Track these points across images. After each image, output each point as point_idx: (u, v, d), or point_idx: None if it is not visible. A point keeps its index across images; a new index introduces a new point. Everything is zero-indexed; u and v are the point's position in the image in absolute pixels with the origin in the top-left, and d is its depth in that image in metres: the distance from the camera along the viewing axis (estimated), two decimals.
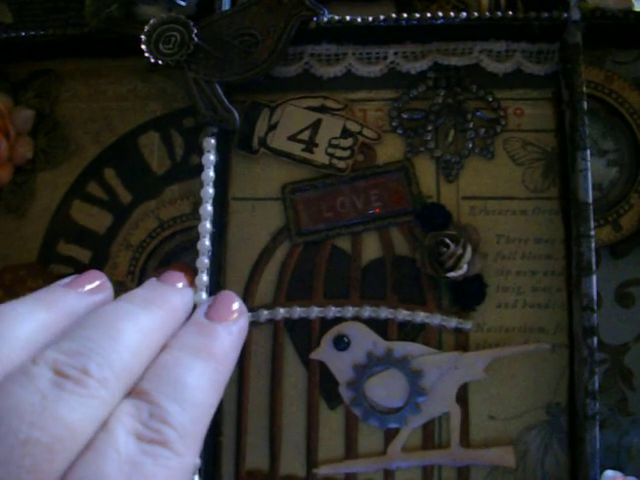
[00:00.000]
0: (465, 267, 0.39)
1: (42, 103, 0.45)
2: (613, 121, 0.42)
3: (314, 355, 0.40)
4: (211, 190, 0.40)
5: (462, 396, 0.40)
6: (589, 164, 0.39)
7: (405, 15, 0.40)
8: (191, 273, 0.38)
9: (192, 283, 0.37)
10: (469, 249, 0.39)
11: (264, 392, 0.40)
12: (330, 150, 0.42)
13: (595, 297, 0.38)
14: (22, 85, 0.45)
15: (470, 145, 0.41)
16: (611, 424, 0.40)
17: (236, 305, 0.35)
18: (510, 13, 0.40)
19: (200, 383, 0.29)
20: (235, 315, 0.34)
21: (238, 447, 0.40)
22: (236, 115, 0.40)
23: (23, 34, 0.43)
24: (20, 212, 0.44)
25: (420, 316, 0.40)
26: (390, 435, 0.40)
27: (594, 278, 0.38)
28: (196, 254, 0.39)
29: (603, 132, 0.42)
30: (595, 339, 0.37)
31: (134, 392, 0.27)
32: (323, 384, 0.40)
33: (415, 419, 0.39)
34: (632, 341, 0.41)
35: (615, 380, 0.41)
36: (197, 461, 0.27)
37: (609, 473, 0.37)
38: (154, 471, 0.24)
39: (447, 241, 0.39)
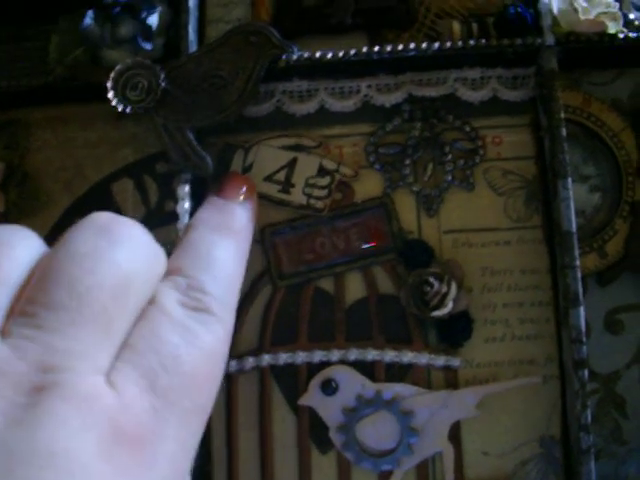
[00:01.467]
0: (450, 305, 0.38)
1: (11, 154, 0.43)
2: (593, 145, 0.41)
3: (302, 401, 0.39)
4: None
5: (454, 434, 0.39)
6: (571, 193, 0.38)
7: (376, 48, 0.40)
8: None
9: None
10: (454, 286, 0.38)
11: (254, 440, 0.40)
12: (307, 190, 0.41)
13: (584, 329, 0.37)
14: None
15: (449, 177, 0.41)
16: (606, 454, 0.40)
17: (245, 183, 0.38)
18: (483, 41, 0.40)
19: (226, 256, 0.31)
20: (246, 192, 0.37)
21: None
22: (209, 161, 0.39)
23: None
24: None
25: (407, 356, 0.39)
26: (384, 477, 0.39)
27: (581, 310, 0.37)
28: None
29: (584, 157, 0.41)
30: (586, 371, 0.37)
31: (169, 271, 0.29)
32: (313, 429, 0.40)
33: (408, 460, 0.39)
34: (623, 368, 0.40)
35: (608, 409, 0.40)
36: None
37: None
38: (203, 332, 0.26)
39: (431, 280, 0.38)
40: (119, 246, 0.26)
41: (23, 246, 0.26)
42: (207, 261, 0.30)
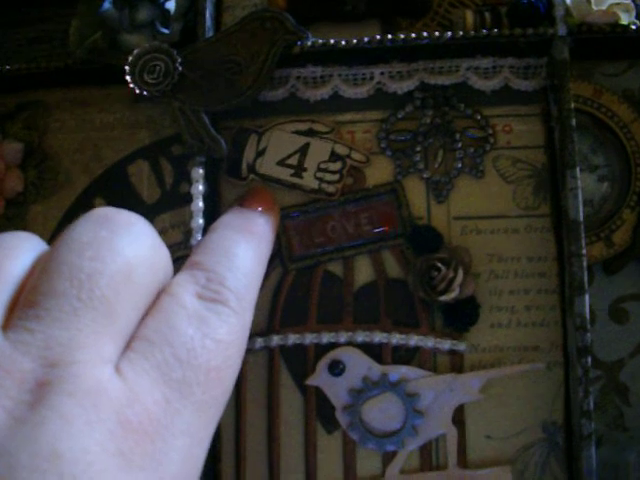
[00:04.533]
0: (457, 290, 0.39)
1: (30, 135, 0.44)
2: (603, 135, 0.42)
3: (310, 381, 0.40)
4: (201, 220, 0.40)
5: (458, 417, 0.40)
6: (579, 182, 0.38)
7: (389, 36, 0.40)
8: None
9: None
10: (460, 272, 0.39)
11: (262, 419, 0.41)
12: (319, 174, 0.41)
13: (588, 317, 0.38)
14: (9, 117, 0.45)
15: (459, 165, 0.41)
16: (608, 440, 0.40)
17: (268, 197, 0.39)
18: (495, 31, 0.40)
19: (246, 254, 0.32)
20: (266, 205, 0.38)
21: (238, 474, 0.40)
22: (223, 144, 0.40)
23: (8, 67, 0.43)
24: None
25: (414, 339, 0.40)
26: (388, 458, 0.40)
27: (586, 298, 0.38)
28: None
29: (593, 147, 0.42)
30: (589, 359, 0.37)
31: (189, 264, 0.29)
32: (320, 409, 0.41)
33: (412, 441, 0.40)
34: (627, 357, 0.41)
35: (611, 396, 0.41)
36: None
37: None
38: (218, 324, 0.26)
39: (438, 265, 0.39)
40: (120, 235, 0.26)
41: (25, 247, 0.26)
42: (227, 257, 0.30)
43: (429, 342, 0.40)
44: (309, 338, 0.40)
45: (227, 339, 0.27)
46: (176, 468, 0.23)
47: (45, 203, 0.44)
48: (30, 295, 0.24)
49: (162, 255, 0.28)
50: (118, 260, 0.25)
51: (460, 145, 0.41)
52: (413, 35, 0.40)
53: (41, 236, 0.43)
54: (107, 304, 0.24)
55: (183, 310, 0.26)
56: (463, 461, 0.40)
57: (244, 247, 0.32)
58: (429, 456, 0.40)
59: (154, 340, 0.25)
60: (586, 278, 0.38)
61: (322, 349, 0.40)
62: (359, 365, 0.40)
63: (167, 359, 0.24)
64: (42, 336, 0.22)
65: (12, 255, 0.25)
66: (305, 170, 0.42)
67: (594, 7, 0.39)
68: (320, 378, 0.40)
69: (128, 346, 0.24)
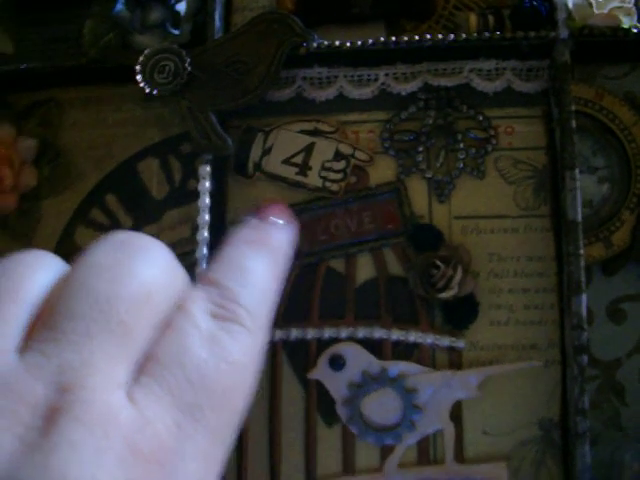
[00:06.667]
0: (456, 288, 0.40)
1: (45, 132, 0.46)
2: (604, 138, 0.42)
3: (311, 375, 0.41)
4: (207, 217, 0.41)
5: (456, 413, 0.41)
6: (578, 183, 0.39)
7: (394, 38, 0.41)
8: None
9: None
10: (460, 270, 0.40)
11: (263, 411, 0.42)
12: (323, 173, 0.42)
13: (585, 316, 0.38)
14: (24, 114, 0.46)
15: (461, 165, 0.42)
16: (604, 439, 0.41)
17: (285, 212, 0.37)
18: (498, 33, 0.41)
19: (260, 269, 0.30)
20: (285, 219, 0.36)
21: (239, 465, 0.41)
22: (229, 143, 0.41)
23: (24, 66, 0.44)
24: (26, 239, 0.45)
25: (413, 336, 0.41)
26: (386, 451, 0.41)
27: (584, 297, 0.38)
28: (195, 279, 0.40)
29: (594, 149, 0.42)
30: (585, 357, 0.38)
31: (203, 281, 0.28)
32: (320, 403, 0.41)
33: (410, 436, 0.40)
34: (624, 357, 0.41)
35: (607, 395, 0.41)
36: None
37: None
38: (231, 344, 0.26)
39: (438, 263, 0.40)
40: (139, 259, 0.26)
41: (44, 267, 0.26)
42: (241, 273, 0.30)
43: (428, 339, 0.41)
44: (311, 333, 0.41)
45: (241, 360, 0.26)
46: None
47: (58, 198, 0.46)
48: (48, 317, 0.24)
49: (178, 276, 0.28)
50: (136, 283, 0.25)
51: (462, 146, 0.42)
52: (417, 37, 0.41)
53: (54, 229, 0.45)
54: (124, 327, 0.24)
55: (196, 331, 0.25)
56: (460, 456, 0.40)
57: (259, 262, 0.31)
58: (427, 451, 0.41)
59: (166, 363, 0.24)
60: (583, 278, 0.38)
61: (323, 344, 0.41)
62: (359, 360, 0.41)
63: (179, 383, 0.24)
64: (57, 360, 0.22)
65: (31, 275, 0.25)
66: (310, 169, 0.43)
67: (596, 10, 0.40)
68: (321, 372, 0.41)
69: (141, 369, 0.24)
